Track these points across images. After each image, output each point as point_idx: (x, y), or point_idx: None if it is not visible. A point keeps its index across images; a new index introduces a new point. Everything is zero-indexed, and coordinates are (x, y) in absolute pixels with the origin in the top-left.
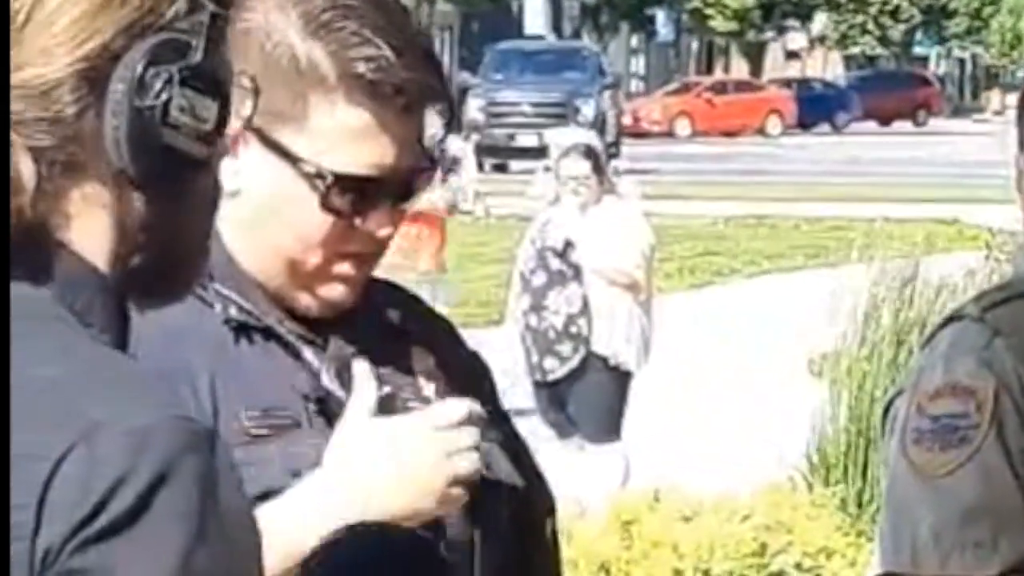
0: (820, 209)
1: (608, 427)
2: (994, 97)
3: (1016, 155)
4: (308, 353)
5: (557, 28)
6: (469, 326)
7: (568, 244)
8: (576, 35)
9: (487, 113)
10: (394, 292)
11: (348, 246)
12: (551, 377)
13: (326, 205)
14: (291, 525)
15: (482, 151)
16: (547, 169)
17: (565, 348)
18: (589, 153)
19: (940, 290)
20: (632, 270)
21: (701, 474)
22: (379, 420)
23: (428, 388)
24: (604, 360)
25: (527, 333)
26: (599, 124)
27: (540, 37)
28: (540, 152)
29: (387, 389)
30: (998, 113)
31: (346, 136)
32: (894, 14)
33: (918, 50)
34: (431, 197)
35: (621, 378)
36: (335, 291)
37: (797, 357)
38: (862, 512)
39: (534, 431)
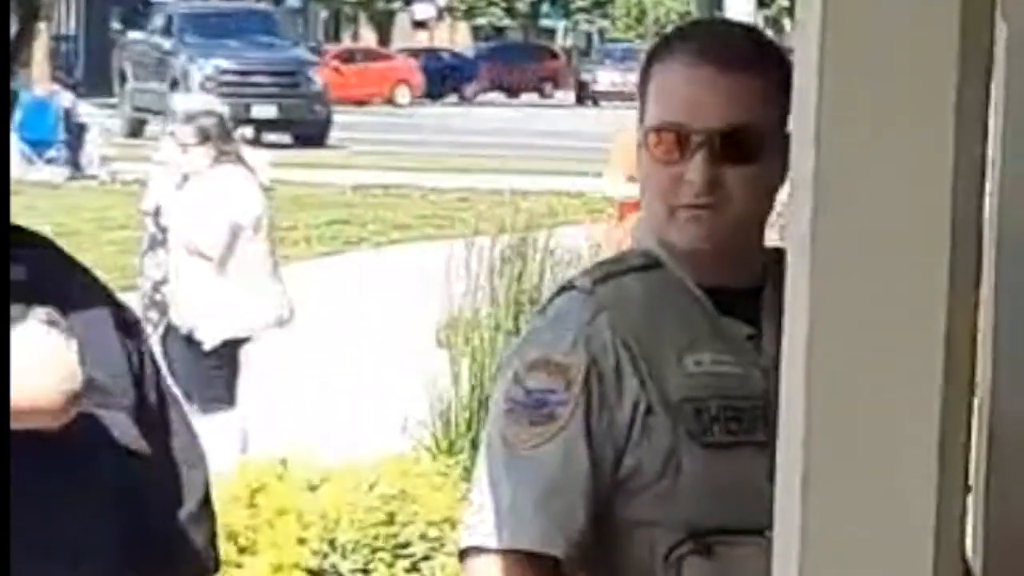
0: (448, 180)
1: (211, 396)
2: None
3: (636, 129)
4: None
5: None
6: None
7: (158, 209)
8: None
9: (216, 82)
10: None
11: None
12: None
13: None
14: None
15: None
16: (171, 134)
17: (153, 315)
18: (197, 119)
19: (564, 262)
20: (205, 240)
21: (328, 443)
22: None
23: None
24: (179, 330)
25: (139, 297)
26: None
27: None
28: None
29: None
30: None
31: None
32: None
33: (545, 23)
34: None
35: (219, 347)
36: None
37: (424, 327)
38: None
39: None
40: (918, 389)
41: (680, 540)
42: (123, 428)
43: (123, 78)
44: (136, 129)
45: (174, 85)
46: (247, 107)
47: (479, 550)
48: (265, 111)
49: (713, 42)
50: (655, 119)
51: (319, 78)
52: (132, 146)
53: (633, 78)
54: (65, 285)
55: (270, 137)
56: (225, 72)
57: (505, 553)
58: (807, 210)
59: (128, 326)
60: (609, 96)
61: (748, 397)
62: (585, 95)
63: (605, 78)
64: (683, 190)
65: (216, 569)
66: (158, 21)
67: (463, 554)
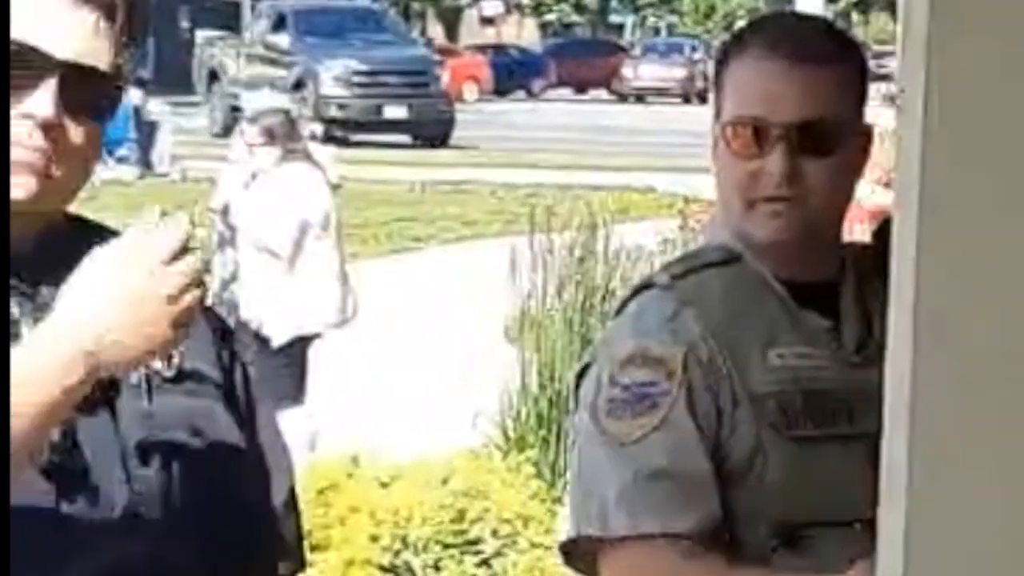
0: (516, 176)
1: (280, 394)
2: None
3: (712, 124)
4: (13, 303)
5: None
6: None
7: (227, 207)
8: None
9: (346, 82)
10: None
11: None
12: None
13: None
14: (31, 369)
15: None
16: (240, 132)
17: (223, 312)
18: (264, 118)
19: (633, 258)
20: (275, 238)
21: (399, 440)
22: (100, 252)
23: None
24: (249, 327)
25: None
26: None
27: None
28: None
29: None
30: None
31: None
32: None
33: (614, 18)
34: None
35: (288, 345)
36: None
37: (493, 323)
38: (557, 479)
39: None
40: None
41: (770, 533)
42: (221, 419)
43: (213, 76)
44: (231, 127)
45: (298, 86)
46: (379, 108)
47: (591, 545)
48: (396, 112)
49: (787, 35)
50: (731, 114)
51: (444, 76)
52: (205, 144)
53: (677, 72)
54: None
55: (394, 138)
56: (356, 72)
57: (627, 539)
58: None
59: (215, 318)
60: (648, 91)
61: (830, 390)
62: (624, 90)
63: (647, 72)
64: (762, 183)
65: (303, 567)
66: (264, 19)
67: (570, 550)
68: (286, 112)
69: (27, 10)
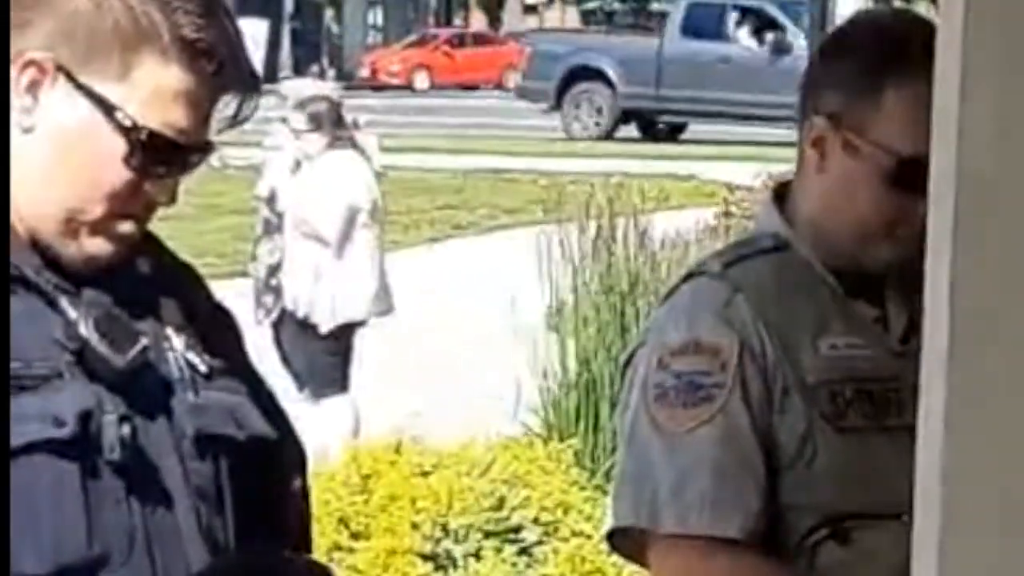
0: (558, 164)
1: (324, 380)
2: None
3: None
4: (64, 302)
5: None
6: (207, 278)
7: (273, 194)
8: None
9: None
10: (146, 241)
11: (130, 206)
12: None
13: (130, 160)
14: None
15: None
16: (283, 120)
17: (267, 300)
18: (309, 105)
19: (675, 245)
20: (324, 224)
21: (440, 427)
22: None
23: (178, 340)
24: (295, 315)
25: (253, 283)
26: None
27: None
28: None
29: (144, 342)
30: None
31: (168, 96)
32: None
33: (656, 6)
34: None
35: (334, 331)
36: (105, 248)
37: (535, 310)
38: (597, 467)
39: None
40: None
41: (817, 524)
42: (248, 413)
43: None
44: None
45: None
46: None
47: (638, 533)
48: None
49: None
50: (907, 148)
51: None
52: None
53: None
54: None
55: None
56: None
57: (676, 537)
58: (949, 204)
59: (229, 318)
60: None
61: (880, 380)
62: None
63: None
64: (909, 219)
65: (310, 550)
66: None
67: (616, 534)
68: (331, 99)
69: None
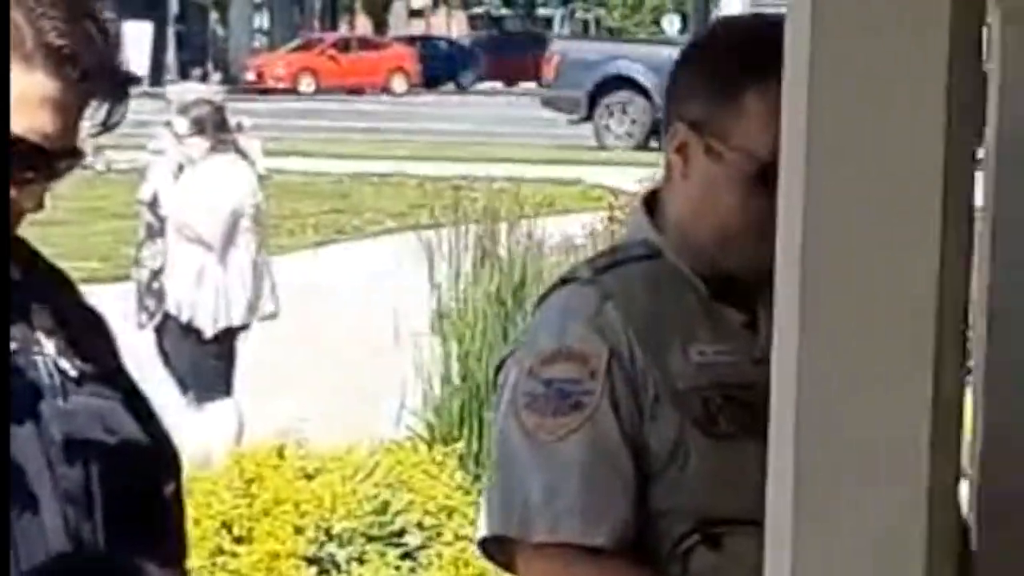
0: (444, 168)
1: (208, 385)
2: None
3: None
4: None
5: None
6: (91, 281)
7: (156, 198)
8: None
9: None
10: (15, 246)
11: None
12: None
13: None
14: None
15: None
16: (167, 124)
17: (151, 304)
18: (193, 109)
19: (557, 250)
20: (206, 228)
21: (324, 431)
22: None
23: (48, 345)
24: (178, 319)
25: (136, 287)
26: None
27: None
28: None
29: (14, 346)
30: None
31: (33, 102)
32: None
33: (542, 11)
34: None
35: (218, 335)
36: None
37: (420, 314)
38: (481, 471)
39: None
40: (910, 380)
41: (689, 530)
42: (120, 418)
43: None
44: None
45: None
46: None
47: (509, 541)
48: None
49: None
50: (768, 152)
51: None
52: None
53: None
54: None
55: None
56: None
57: (543, 546)
58: (798, 207)
59: (101, 322)
60: None
61: (749, 386)
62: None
63: None
64: (767, 218)
65: (185, 554)
66: None
67: (488, 542)
68: (215, 103)
69: None
